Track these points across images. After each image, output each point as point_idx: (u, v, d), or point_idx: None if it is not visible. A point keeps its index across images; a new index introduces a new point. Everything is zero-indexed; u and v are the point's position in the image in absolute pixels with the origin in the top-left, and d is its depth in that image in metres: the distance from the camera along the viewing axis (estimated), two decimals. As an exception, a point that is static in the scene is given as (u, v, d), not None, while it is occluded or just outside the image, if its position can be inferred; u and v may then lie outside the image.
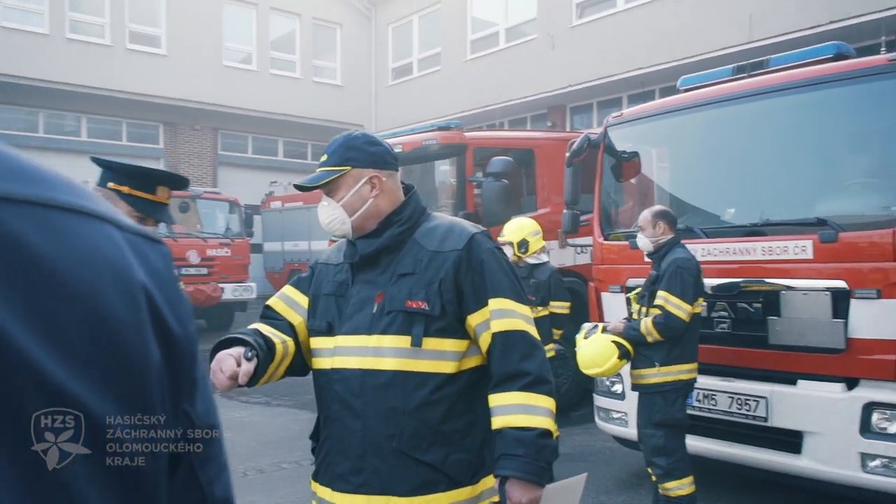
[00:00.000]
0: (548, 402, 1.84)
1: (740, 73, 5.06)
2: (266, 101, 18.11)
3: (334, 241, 2.20)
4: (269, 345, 1.89)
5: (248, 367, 1.74)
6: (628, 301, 4.59)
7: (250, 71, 18.77)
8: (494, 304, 1.85)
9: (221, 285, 12.40)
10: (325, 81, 19.97)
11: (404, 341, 1.82)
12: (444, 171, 7.80)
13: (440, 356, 1.83)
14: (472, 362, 1.89)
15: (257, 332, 1.92)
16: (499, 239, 5.54)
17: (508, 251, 5.44)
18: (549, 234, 7.22)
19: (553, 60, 14.58)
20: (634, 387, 4.33)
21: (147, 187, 2.34)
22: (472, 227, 1.96)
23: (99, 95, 16.31)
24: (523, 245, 5.40)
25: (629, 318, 4.45)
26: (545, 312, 5.37)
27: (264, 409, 7.69)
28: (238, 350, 1.77)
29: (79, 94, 16.16)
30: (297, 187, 2.06)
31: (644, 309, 4.26)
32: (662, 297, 4.08)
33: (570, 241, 6.91)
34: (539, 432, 1.79)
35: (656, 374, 4.13)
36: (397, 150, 7.29)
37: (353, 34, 20.21)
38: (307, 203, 13.92)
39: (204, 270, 12.29)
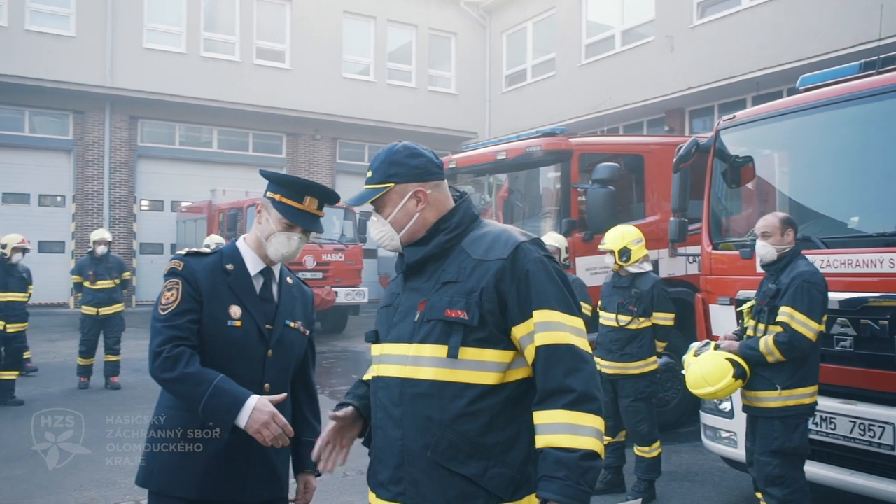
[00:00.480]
0: (594, 422, 1.72)
1: (868, 70, 4.66)
2: (383, 110, 18.62)
3: None
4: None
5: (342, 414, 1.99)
6: (740, 315, 4.28)
7: (368, 82, 19.36)
8: (539, 315, 1.77)
9: (336, 289, 12.83)
10: (440, 90, 20.27)
11: (442, 351, 1.78)
12: (551, 177, 7.68)
13: (480, 367, 1.77)
14: (518, 374, 1.81)
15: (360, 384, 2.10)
16: (599, 247, 5.38)
17: (609, 260, 5.26)
18: (659, 242, 6.99)
19: (671, 62, 14.08)
20: (749, 409, 4.00)
21: (296, 196, 2.36)
22: (520, 235, 1.87)
23: (229, 109, 17.35)
24: (625, 253, 5.21)
25: (739, 334, 4.17)
26: (647, 324, 5.16)
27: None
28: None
29: (212, 109, 17.26)
30: (349, 205, 2.03)
31: (762, 326, 3.93)
32: (787, 313, 3.75)
33: (681, 250, 6.63)
34: (582, 454, 1.69)
35: (777, 398, 3.81)
36: (501, 157, 7.38)
37: (467, 43, 20.41)
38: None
39: (319, 275, 12.77)
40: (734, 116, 5.35)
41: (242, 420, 2.12)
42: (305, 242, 2.42)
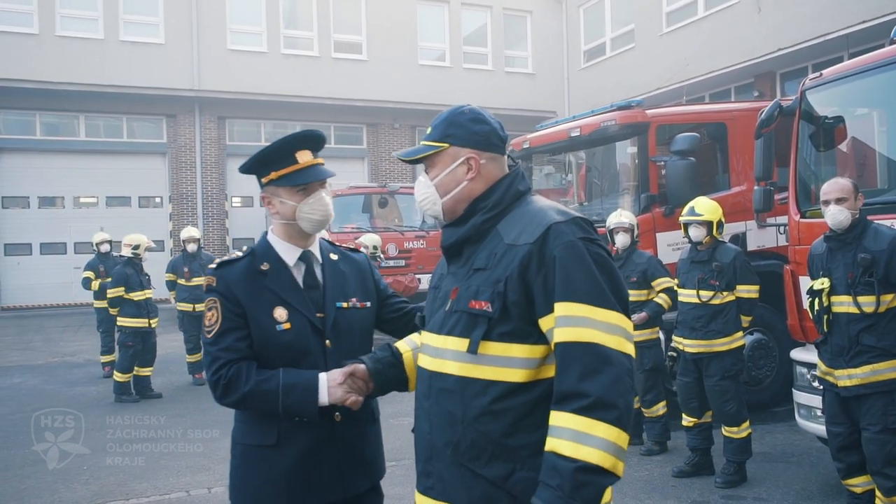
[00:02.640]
0: (607, 432, 1.51)
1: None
2: (460, 95, 18.45)
3: None
4: (395, 354, 2.08)
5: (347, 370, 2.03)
6: (811, 295, 3.91)
7: (444, 68, 19.36)
8: (561, 309, 1.58)
9: (418, 276, 12.93)
10: (517, 71, 20.03)
11: (464, 344, 1.66)
12: (628, 152, 7.44)
13: (505, 363, 1.63)
14: (553, 371, 1.62)
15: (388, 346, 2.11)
16: (683, 218, 5.09)
17: (700, 232, 4.99)
18: (746, 214, 6.66)
19: (759, 24, 13.34)
20: (857, 388, 3.69)
21: (288, 160, 2.16)
22: (557, 214, 1.67)
23: (310, 103, 17.74)
24: (721, 225, 5.00)
25: (818, 316, 3.86)
26: (731, 298, 4.91)
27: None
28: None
29: (294, 104, 17.71)
30: (399, 157, 1.92)
31: (869, 298, 3.64)
32: None
33: (771, 220, 6.28)
34: (581, 466, 1.49)
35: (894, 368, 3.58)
36: (575, 133, 7.20)
37: (543, 20, 20.05)
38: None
39: (402, 262, 12.90)
40: (821, 74, 5.00)
41: (324, 399, 2.02)
42: (330, 197, 2.24)
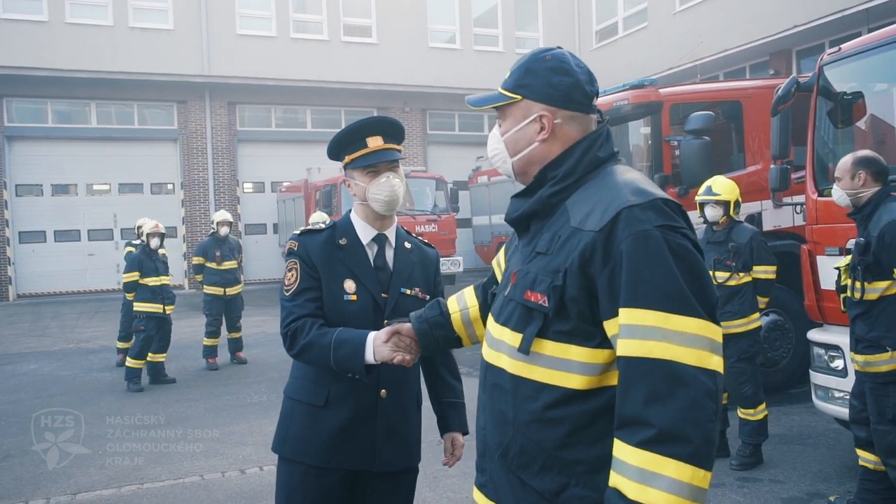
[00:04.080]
0: (678, 471, 1.25)
1: None
2: (471, 78, 18.40)
3: None
4: (444, 314, 1.98)
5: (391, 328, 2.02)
6: (838, 273, 3.88)
7: (454, 50, 19.22)
8: (627, 316, 1.32)
9: (430, 260, 12.90)
10: (529, 51, 19.83)
11: (517, 340, 1.46)
12: (641, 132, 7.35)
13: (562, 365, 1.41)
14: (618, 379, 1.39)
15: (435, 305, 2.02)
16: (711, 198, 4.93)
17: (717, 211, 4.90)
18: (762, 193, 6.57)
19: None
20: (860, 375, 3.71)
21: (358, 144, 2.29)
22: (634, 195, 1.38)
23: (320, 87, 17.69)
24: (738, 205, 4.91)
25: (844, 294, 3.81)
26: (748, 279, 4.84)
27: (466, 379, 7.82)
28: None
29: (304, 89, 17.66)
30: (468, 103, 1.71)
31: (858, 284, 3.59)
32: None
33: (787, 199, 6.19)
34: None
35: (889, 361, 3.51)
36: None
37: (554, 0, 19.82)
38: (512, 176, 13.99)
39: (413, 246, 12.89)
40: (839, 49, 4.88)
41: (370, 356, 2.07)
42: (402, 179, 2.34)
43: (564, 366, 1.40)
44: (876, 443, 3.63)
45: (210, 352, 8.87)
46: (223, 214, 9.37)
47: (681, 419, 1.26)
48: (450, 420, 2.46)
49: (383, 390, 2.23)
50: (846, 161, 3.71)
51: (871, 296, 3.55)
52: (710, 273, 4.82)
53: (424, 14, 18.87)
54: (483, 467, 1.58)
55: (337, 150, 2.35)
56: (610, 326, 1.36)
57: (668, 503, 1.25)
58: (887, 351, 3.50)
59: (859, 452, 3.86)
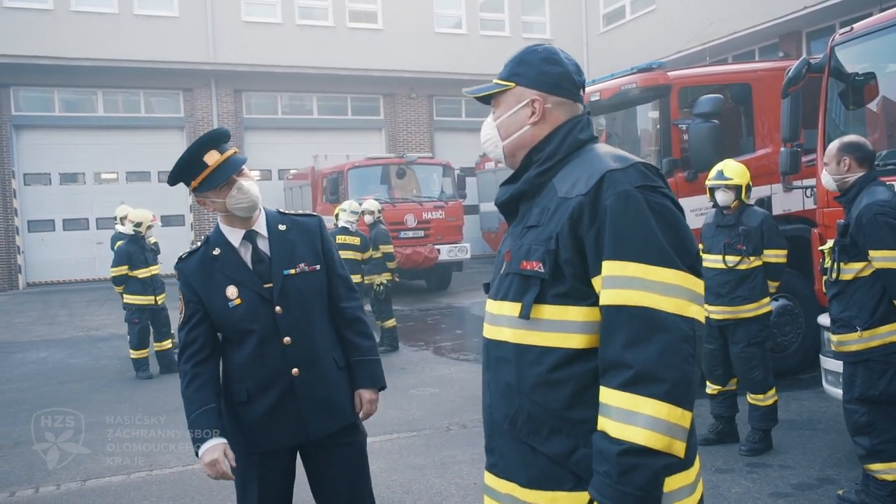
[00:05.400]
0: (655, 409, 1.35)
1: None
2: (477, 63, 18.29)
3: None
4: None
5: None
6: (823, 256, 3.91)
7: (461, 35, 19.09)
8: (609, 268, 1.42)
9: (437, 247, 12.88)
10: (535, 36, 19.67)
11: (516, 309, 1.53)
12: (649, 116, 7.27)
13: (562, 327, 1.48)
14: None
15: None
16: (723, 183, 4.85)
17: (728, 196, 4.82)
18: (771, 177, 6.50)
19: (784, -19, 12.93)
20: (835, 355, 3.78)
21: (198, 168, 2.39)
22: (615, 161, 1.50)
23: (326, 74, 17.61)
24: (749, 189, 4.85)
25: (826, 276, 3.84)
26: (758, 263, 4.78)
27: (472, 365, 7.86)
28: None
29: (310, 76, 17.59)
30: (467, 93, 1.81)
31: (835, 264, 3.64)
32: (882, 258, 3.45)
33: (798, 183, 6.12)
34: (626, 448, 1.35)
35: (858, 341, 3.55)
36: (595, 98, 7.03)
37: (561, -16, 19.65)
38: (519, 162, 13.91)
39: (420, 233, 12.86)
40: (851, 29, 4.81)
41: (202, 454, 2.33)
42: (251, 180, 2.46)
43: (565, 327, 1.48)
44: (846, 420, 3.69)
45: None
46: None
47: (657, 360, 1.36)
48: (356, 377, 2.59)
49: (294, 369, 2.41)
50: (832, 147, 3.74)
51: (846, 276, 3.60)
52: (721, 257, 4.82)
53: (430, -1, 18.75)
54: (492, 448, 1.62)
55: (180, 179, 2.44)
56: (597, 282, 1.45)
57: (646, 438, 1.35)
58: (857, 331, 3.54)
59: None
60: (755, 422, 4.80)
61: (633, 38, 17.18)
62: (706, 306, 4.91)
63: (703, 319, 1.43)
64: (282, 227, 2.53)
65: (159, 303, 8.13)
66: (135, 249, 8.01)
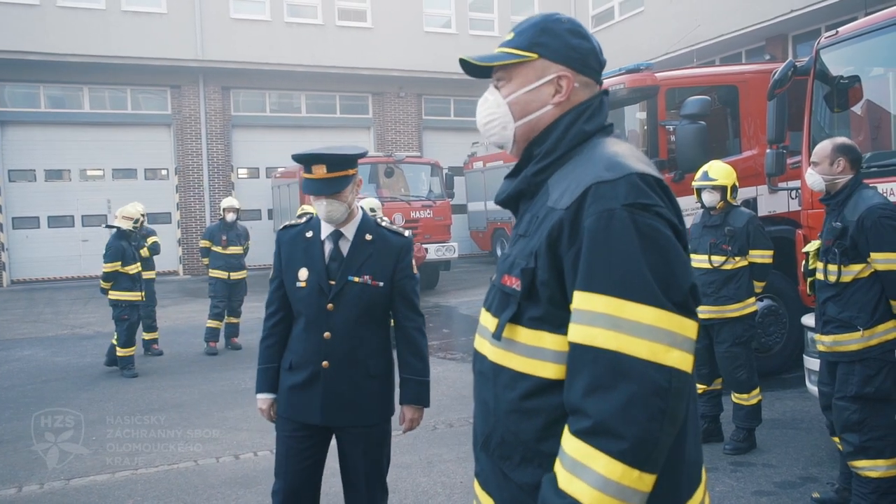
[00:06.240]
0: (608, 468, 1.17)
1: None
2: (466, 62, 18.33)
3: None
4: None
5: None
6: (806, 257, 3.93)
7: (450, 34, 19.09)
8: (578, 300, 1.24)
9: (425, 246, 12.87)
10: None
11: (495, 325, 1.40)
12: (637, 117, 7.32)
13: (535, 353, 1.33)
14: None
15: None
16: (708, 184, 4.89)
17: (714, 196, 4.86)
18: (757, 178, 6.55)
19: (771, -16, 13.03)
20: (827, 355, 3.75)
21: (306, 169, 2.68)
22: (607, 170, 1.28)
23: (315, 72, 17.56)
24: (735, 189, 4.89)
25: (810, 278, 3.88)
26: (744, 263, 4.82)
27: (459, 364, 7.87)
28: None
29: (298, 74, 17.53)
30: (462, 63, 1.49)
31: (833, 267, 3.64)
32: (883, 260, 3.49)
33: (782, 184, 6.17)
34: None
35: (859, 340, 3.58)
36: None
37: (550, -16, 19.69)
38: (508, 162, 13.94)
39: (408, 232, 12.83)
40: (836, 32, 4.86)
41: (257, 400, 2.88)
42: (340, 203, 2.67)
43: (539, 354, 1.33)
44: (835, 417, 3.71)
45: (212, 334, 8.89)
46: (230, 201, 9.54)
47: (617, 414, 1.17)
48: (403, 393, 2.86)
49: (325, 362, 2.68)
50: (825, 146, 3.73)
51: (846, 278, 3.62)
52: (706, 257, 4.85)
53: (420, -3, 18.75)
54: (477, 456, 1.53)
55: (300, 163, 2.73)
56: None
57: (591, 498, 1.18)
58: (858, 330, 3.56)
59: (833, 438, 3.90)
60: (739, 421, 4.84)
61: (621, 39, 17.23)
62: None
63: (688, 369, 1.21)
64: (368, 237, 2.74)
65: (144, 298, 8.26)
66: (126, 246, 8.02)
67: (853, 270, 3.59)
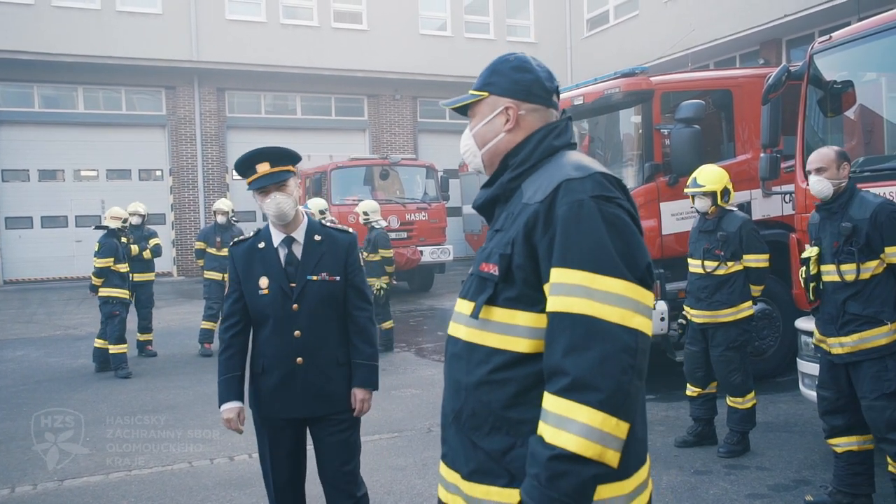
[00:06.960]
0: (589, 417, 1.36)
1: None
2: (461, 65, 18.32)
3: None
4: None
5: None
6: (804, 263, 3.91)
7: (446, 37, 19.13)
8: (556, 275, 1.45)
9: (420, 248, 12.88)
10: (519, 40, 19.77)
11: (470, 308, 1.59)
12: (632, 121, 7.33)
13: (509, 330, 1.52)
14: None
15: None
16: (690, 190, 4.98)
17: (705, 202, 4.89)
18: (751, 182, 6.58)
19: (766, -11, 13.10)
20: (849, 356, 3.68)
21: (249, 171, 2.87)
22: (575, 170, 1.52)
23: (310, 74, 17.55)
24: (726, 194, 4.90)
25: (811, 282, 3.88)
26: (738, 268, 4.84)
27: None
28: None
29: (294, 75, 17.52)
30: (444, 106, 1.88)
31: (850, 266, 3.64)
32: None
33: (777, 188, 6.20)
34: (556, 454, 1.36)
35: (888, 334, 3.56)
36: (578, 102, 7.08)
37: (546, -12, 19.76)
38: (502, 164, 13.95)
39: (404, 234, 12.85)
40: (830, 37, 4.89)
41: (221, 411, 2.97)
42: (287, 196, 2.85)
43: (513, 331, 1.52)
44: (873, 420, 3.61)
45: (207, 336, 8.87)
46: (220, 203, 9.58)
47: (594, 369, 1.37)
48: (354, 377, 3.00)
49: (299, 358, 2.87)
50: (829, 153, 3.76)
51: (865, 275, 3.63)
52: (700, 262, 4.88)
53: (415, 1, 18.76)
54: (445, 438, 1.68)
55: (239, 172, 2.92)
56: (548, 289, 1.48)
57: (578, 445, 1.36)
58: (886, 324, 3.56)
59: (835, 441, 3.88)
60: (734, 424, 4.86)
61: (616, 42, 17.32)
62: (690, 309, 4.99)
63: (648, 332, 1.44)
64: (317, 238, 2.96)
65: (132, 297, 8.35)
66: (118, 244, 8.04)
67: (870, 267, 3.61)
